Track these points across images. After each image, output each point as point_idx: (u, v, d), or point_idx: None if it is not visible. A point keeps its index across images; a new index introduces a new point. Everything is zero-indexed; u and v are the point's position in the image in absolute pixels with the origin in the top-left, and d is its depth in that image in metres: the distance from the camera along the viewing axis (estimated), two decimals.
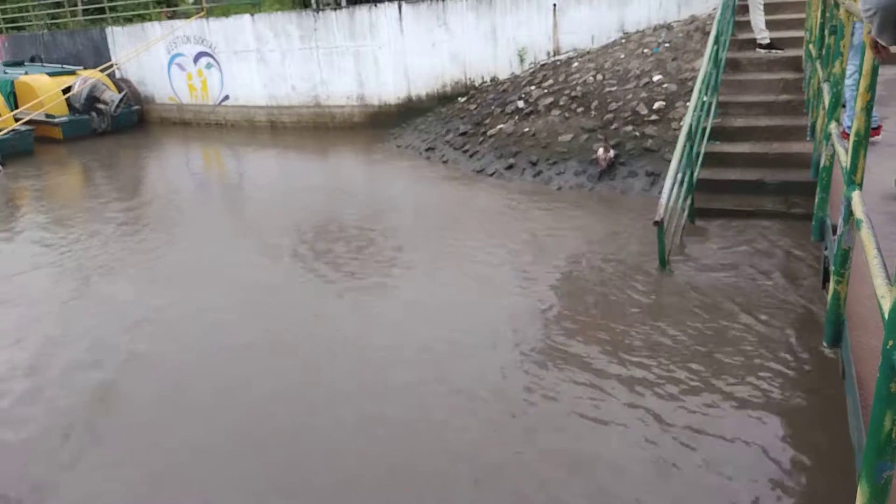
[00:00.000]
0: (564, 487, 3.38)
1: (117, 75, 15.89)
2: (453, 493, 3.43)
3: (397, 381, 4.44)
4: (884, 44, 1.86)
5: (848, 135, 2.91)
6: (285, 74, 13.91)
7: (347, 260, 6.66)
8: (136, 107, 15.72)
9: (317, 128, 13.75)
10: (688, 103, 6.79)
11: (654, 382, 4.15)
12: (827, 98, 3.88)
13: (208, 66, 14.86)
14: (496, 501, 3.36)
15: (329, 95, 13.60)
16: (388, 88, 12.92)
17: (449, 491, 3.45)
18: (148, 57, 15.54)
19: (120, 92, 15.17)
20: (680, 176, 5.90)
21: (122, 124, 15.05)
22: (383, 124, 12.79)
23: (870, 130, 2.67)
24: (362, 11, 12.72)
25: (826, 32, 4.59)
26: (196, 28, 14.69)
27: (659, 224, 5.40)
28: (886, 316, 1.61)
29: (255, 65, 14.18)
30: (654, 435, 3.69)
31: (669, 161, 5.94)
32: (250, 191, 10.55)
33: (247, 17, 13.99)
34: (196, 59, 14.98)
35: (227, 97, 14.88)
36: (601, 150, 8.40)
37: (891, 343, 1.57)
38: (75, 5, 17.80)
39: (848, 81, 4.29)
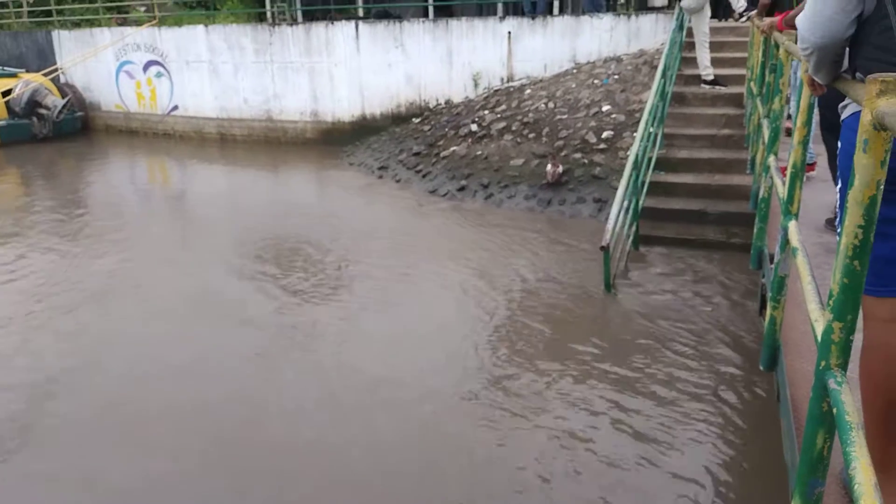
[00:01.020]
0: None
1: (62, 80, 15.45)
2: None
3: (347, 404, 4.41)
4: (820, 82, 1.97)
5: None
6: (238, 87, 13.77)
7: (295, 281, 6.54)
8: (80, 113, 15.28)
9: (268, 142, 13.62)
10: (635, 134, 7.01)
11: (593, 401, 4.22)
12: (766, 133, 4.06)
13: (158, 75, 14.60)
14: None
15: (282, 110, 13.51)
16: (343, 105, 12.92)
17: None
18: (95, 63, 15.17)
19: (63, 97, 14.75)
20: (626, 203, 6.07)
21: (65, 131, 14.60)
22: (336, 141, 12.76)
23: (805, 165, 2.81)
24: (319, 28, 12.73)
25: (766, 71, 4.82)
26: (147, 36, 14.44)
27: (605, 249, 5.53)
28: (819, 338, 1.69)
29: (207, 76, 14.00)
30: (590, 454, 3.75)
31: (616, 188, 6.12)
32: (198, 207, 10.30)
33: (200, 27, 13.82)
34: (146, 67, 14.70)
35: (176, 107, 14.63)
36: (549, 166, 8.74)
37: (823, 364, 1.63)
38: (20, 6, 17.29)
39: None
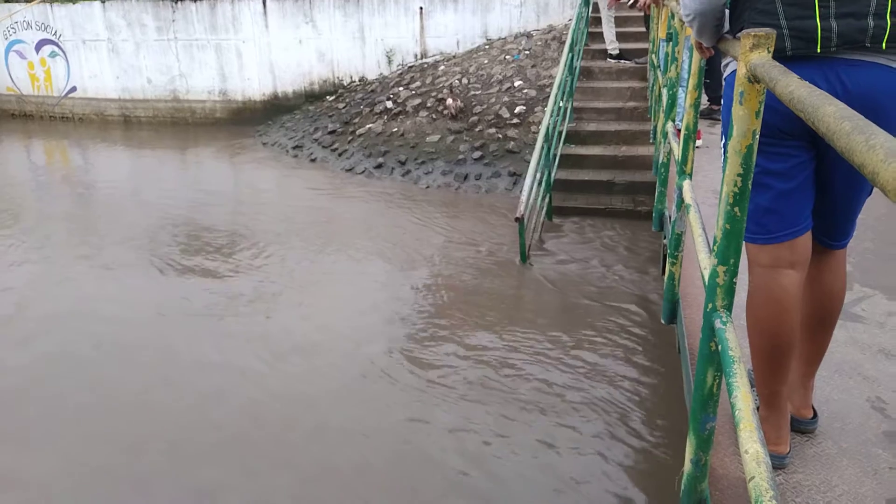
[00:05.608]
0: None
1: None
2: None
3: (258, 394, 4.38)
4: (706, 44, 2.08)
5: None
6: (140, 66, 13.16)
7: (210, 266, 6.32)
8: None
9: (175, 123, 13.11)
10: (546, 108, 7.15)
11: (508, 364, 4.36)
12: (665, 100, 4.24)
13: (52, 54, 13.77)
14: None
15: (189, 89, 13.02)
16: (253, 84, 12.58)
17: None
18: None
19: None
20: (539, 176, 6.21)
21: None
22: (248, 121, 12.43)
23: (697, 127, 2.96)
24: (224, 4, 12.29)
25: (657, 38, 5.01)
26: (38, 13, 13.57)
27: (520, 220, 5.66)
28: (706, 283, 1.80)
29: (107, 55, 13.31)
30: (508, 409, 3.88)
31: (529, 162, 6.25)
32: (104, 195, 9.57)
33: (97, 3, 13.09)
34: (38, 46, 13.83)
35: (74, 89, 13.85)
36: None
37: (710, 306, 1.74)
38: None
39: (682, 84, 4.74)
